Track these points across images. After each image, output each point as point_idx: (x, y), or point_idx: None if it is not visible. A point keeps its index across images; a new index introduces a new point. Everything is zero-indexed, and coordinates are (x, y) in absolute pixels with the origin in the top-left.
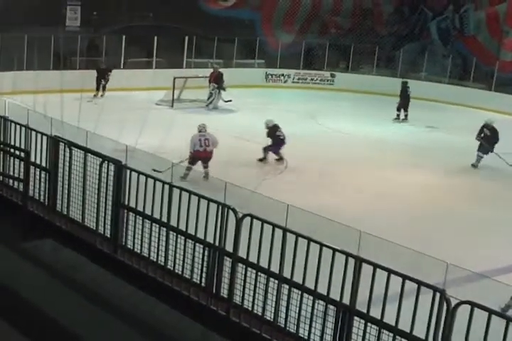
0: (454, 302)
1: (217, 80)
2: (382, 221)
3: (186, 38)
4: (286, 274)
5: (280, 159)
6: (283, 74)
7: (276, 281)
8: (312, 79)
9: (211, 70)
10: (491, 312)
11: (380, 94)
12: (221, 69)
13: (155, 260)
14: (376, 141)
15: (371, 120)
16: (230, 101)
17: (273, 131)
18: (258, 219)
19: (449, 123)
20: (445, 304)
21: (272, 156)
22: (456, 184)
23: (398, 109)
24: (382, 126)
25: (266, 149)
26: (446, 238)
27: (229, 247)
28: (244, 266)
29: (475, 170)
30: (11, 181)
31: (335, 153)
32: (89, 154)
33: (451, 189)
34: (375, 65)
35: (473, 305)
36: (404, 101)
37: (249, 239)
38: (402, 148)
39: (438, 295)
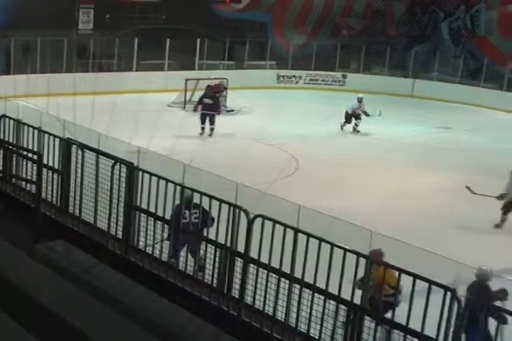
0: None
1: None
2: (394, 222)
3: (198, 40)
4: (298, 274)
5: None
6: (294, 76)
7: (288, 281)
8: (324, 80)
9: (218, 75)
10: (500, 310)
11: (392, 94)
12: (233, 71)
13: (166, 261)
14: (388, 142)
15: (383, 121)
16: (233, 111)
17: None
18: (270, 219)
19: (461, 123)
20: (456, 303)
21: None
22: (468, 184)
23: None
24: (394, 127)
25: None
26: (458, 238)
27: (240, 248)
28: (255, 267)
29: (489, 170)
30: (24, 183)
31: (347, 154)
32: (102, 156)
33: (463, 189)
34: (387, 65)
35: None
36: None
37: (261, 239)
38: (415, 148)
39: (449, 294)
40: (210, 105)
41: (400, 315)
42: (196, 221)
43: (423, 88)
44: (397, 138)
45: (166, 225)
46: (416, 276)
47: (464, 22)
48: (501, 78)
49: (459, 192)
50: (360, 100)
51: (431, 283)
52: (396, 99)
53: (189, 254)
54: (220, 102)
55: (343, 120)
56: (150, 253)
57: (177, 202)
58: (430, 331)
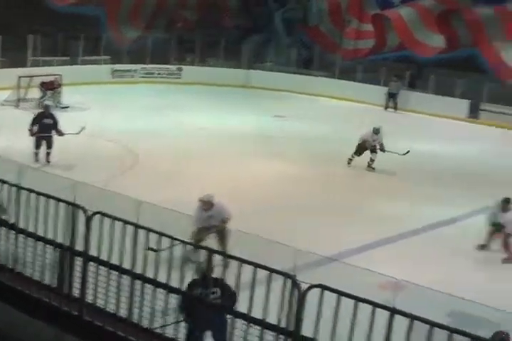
0: (305, 287)
1: (52, 88)
2: (237, 212)
3: (30, 35)
4: (139, 270)
5: None
6: (130, 70)
7: (129, 278)
8: (159, 74)
9: (52, 71)
10: (340, 294)
11: (227, 85)
12: (67, 67)
13: (3, 264)
14: (227, 133)
15: (220, 112)
16: (67, 107)
17: None
18: (108, 216)
19: (296, 111)
20: (296, 289)
21: None
22: (308, 171)
23: None
24: (232, 118)
25: None
26: (301, 224)
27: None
28: (96, 265)
29: (325, 157)
30: None
31: (186, 147)
32: None
33: (304, 176)
34: (222, 57)
35: (323, 288)
36: None
37: (100, 237)
38: (253, 138)
39: (290, 281)
40: (51, 126)
41: (242, 304)
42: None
43: (258, 78)
44: (234, 128)
45: (1, 226)
46: (257, 265)
47: (296, 12)
48: (333, 66)
49: (297, 178)
50: (376, 131)
51: (271, 271)
52: (232, 90)
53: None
54: (58, 121)
55: (352, 153)
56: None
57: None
58: (274, 319)
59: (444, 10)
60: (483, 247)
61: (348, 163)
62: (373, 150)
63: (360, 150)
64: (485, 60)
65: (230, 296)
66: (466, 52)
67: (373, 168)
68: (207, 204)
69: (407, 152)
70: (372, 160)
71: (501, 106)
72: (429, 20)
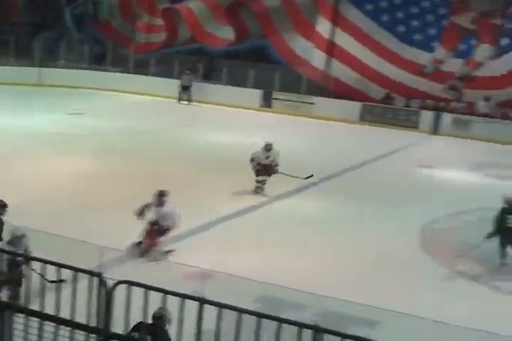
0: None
1: None
2: (35, 213)
3: None
4: None
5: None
6: None
7: None
8: None
9: None
10: (147, 288)
11: (20, 84)
12: None
13: None
14: (22, 133)
15: (14, 112)
16: None
17: None
18: None
19: (93, 108)
20: (103, 286)
21: None
22: (107, 168)
23: None
24: (26, 117)
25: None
26: (102, 221)
27: None
28: None
29: (124, 152)
30: None
31: None
32: None
33: (102, 173)
34: (12, 55)
35: (130, 283)
36: None
37: None
38: (50, 137)
39: (96, 279)
40: None
41: (51, 306)
42: None
43: (51, 76)
44: (30, 128)
45: None
46: (60, 265)
47: (86, 8)
48: (126, 61)
49: (96, 175)
50: (268, 148)
51: (76, 270)
52: (24, 88)
53: None
54: None
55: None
56: None
57: None
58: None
59: (232, 2)
60: (139, 245)
61: (257, 192)
62: (270, 172)
63: (258, 172)
64: (275, 51)
65: None
66: (256, 43)
67: (259, 192)
68: (16, 239)
69: (311, 176)
70: (263, 183)
71: (291, 95)
72: (218, 12)
